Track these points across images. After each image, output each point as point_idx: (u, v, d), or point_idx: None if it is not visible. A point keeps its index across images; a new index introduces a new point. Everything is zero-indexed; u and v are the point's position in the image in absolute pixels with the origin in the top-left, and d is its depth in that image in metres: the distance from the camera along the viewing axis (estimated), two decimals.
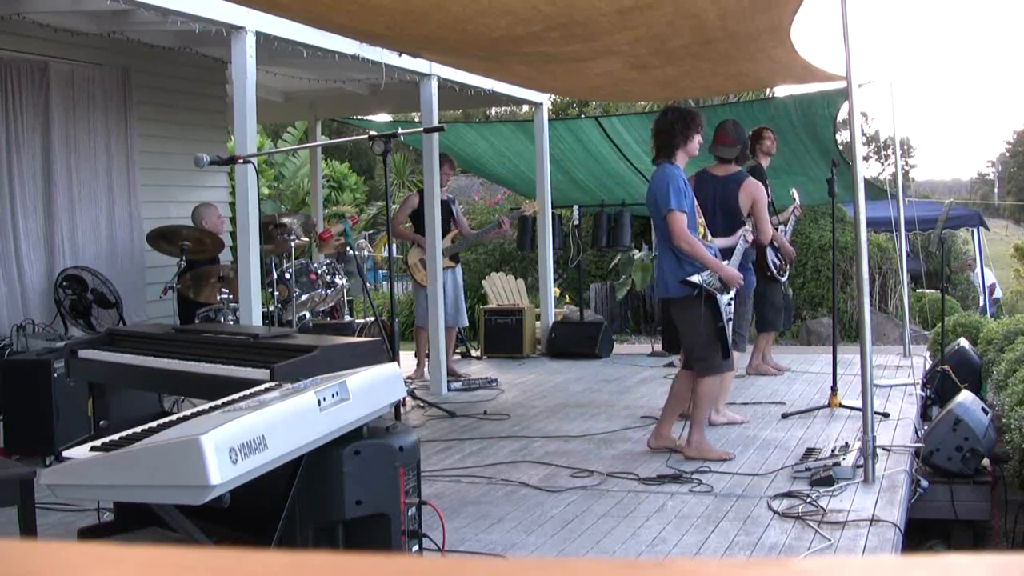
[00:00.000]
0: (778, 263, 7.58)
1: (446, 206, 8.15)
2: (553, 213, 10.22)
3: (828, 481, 4.62)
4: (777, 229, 7.22)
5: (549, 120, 9.99)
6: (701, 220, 5.38)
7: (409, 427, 3.36)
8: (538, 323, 9.96)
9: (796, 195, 7.60)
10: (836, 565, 0.50)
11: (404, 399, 6.33)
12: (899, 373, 8.01)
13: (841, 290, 12.35)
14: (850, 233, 11.71)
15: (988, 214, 28.51)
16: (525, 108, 13.59)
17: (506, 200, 16.68)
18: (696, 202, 5.35)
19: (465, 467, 5.31)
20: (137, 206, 7.91)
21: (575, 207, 10.30)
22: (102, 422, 4.40)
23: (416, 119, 11.45)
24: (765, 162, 7.56)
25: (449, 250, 8.13)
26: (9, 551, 0.52)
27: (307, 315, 7.05)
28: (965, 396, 6.09)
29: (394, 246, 6.98)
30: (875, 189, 10.30)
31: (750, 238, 6.00)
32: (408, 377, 8.02)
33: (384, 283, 13.97)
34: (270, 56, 6.88)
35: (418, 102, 8.05)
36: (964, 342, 8.42)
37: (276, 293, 6.73)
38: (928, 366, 8.49)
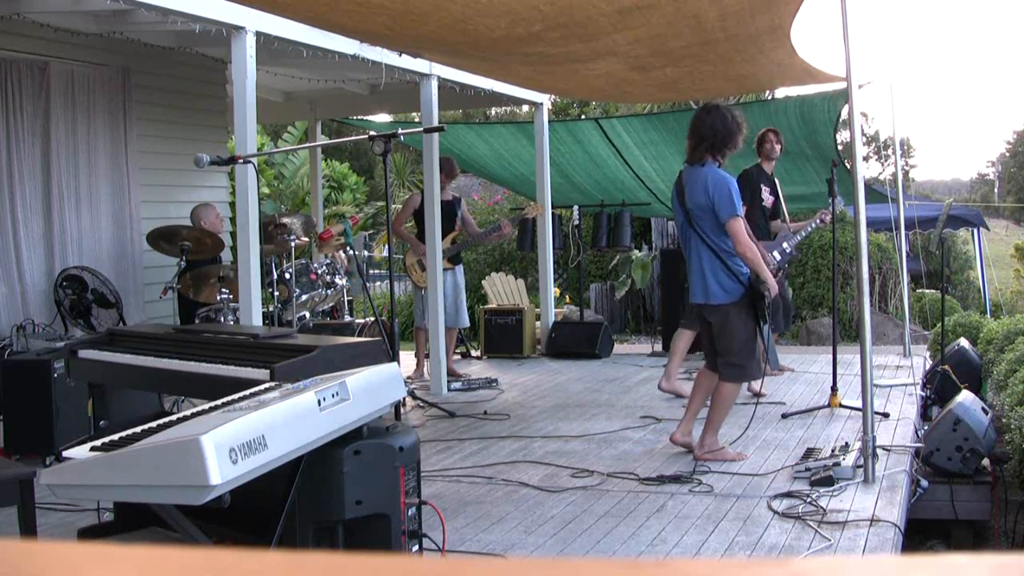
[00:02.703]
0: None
1: (452, 206, 8.10)
2: (553, 213, 10.21)
3: (828, 481, 4.62)
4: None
5: (549, 121, 9.98)
6: None
7: (409, 427, 3.36)
8: (538, 323, 9.96)
9: (834, 202, 6.97)
10: (836, 565, 0.50)
11: (404, 399, 6.33)
12: (899, 373, 8.01)
13: (841, 290, 12.35)
14: (850, 233, 11.72)
15: (988, 214, 28.50)
16: (525, 108, 13.59)
17: (506, 200, 16.65)
18: None
19: (465, 467, 5.31)
20: (137, 206, 7.91)
21: (575, 207, 10.28)
22: (102, 422, 4.41)
23: (416, 119, 11.45)
24: (768, 167, 7.54)
25: (448, 251, 8.08)
26: (9, 551, 0.52)
27: (307, 315, 7.05)
28: (965, 396, 6.09)
29: (393, 246, 6.97)
30: (875, 194, 10.29)
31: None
32: (408, 377, 8.02)
33: (376, 284, 13.97)
34: (270, 56, 6.89)
35: (418, 102, 8.04)
36: (964, 342, 8.42)
37: (276, 293, 6.73)
38: (928, 366, 8.49)
